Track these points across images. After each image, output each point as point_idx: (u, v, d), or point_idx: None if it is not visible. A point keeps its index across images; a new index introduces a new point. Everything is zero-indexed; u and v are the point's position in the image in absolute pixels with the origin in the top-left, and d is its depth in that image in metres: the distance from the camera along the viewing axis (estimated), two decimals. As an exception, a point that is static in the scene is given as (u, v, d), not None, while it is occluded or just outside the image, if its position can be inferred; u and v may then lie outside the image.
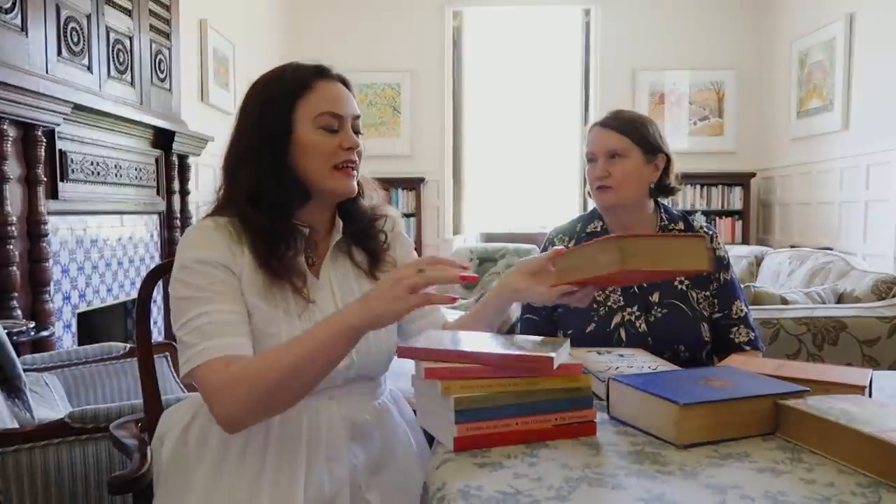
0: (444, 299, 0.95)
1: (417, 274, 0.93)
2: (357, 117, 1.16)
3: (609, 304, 1.51)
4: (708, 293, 1.54)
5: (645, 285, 1.50)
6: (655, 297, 1.51)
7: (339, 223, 1.19)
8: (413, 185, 6.07)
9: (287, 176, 1.11)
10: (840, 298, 2.68)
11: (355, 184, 1.15)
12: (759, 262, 4.00)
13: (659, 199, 1.63)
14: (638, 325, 1.49)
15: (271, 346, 1.04)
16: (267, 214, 1.10)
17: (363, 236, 1.22)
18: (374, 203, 1.26)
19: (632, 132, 1.54)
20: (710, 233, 1.58)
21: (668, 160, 1.59)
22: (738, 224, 6.00)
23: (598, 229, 1.59)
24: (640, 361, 1.22)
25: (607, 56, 6.13)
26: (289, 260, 1.10)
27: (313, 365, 0.97)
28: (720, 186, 6.04)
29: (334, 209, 1.20)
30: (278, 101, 1.11)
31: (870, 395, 1.05)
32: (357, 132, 1.16)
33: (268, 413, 1.02)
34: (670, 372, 1.11)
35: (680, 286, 1.52)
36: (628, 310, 1.50)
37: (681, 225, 1.59)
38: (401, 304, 0.92)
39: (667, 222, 1.59)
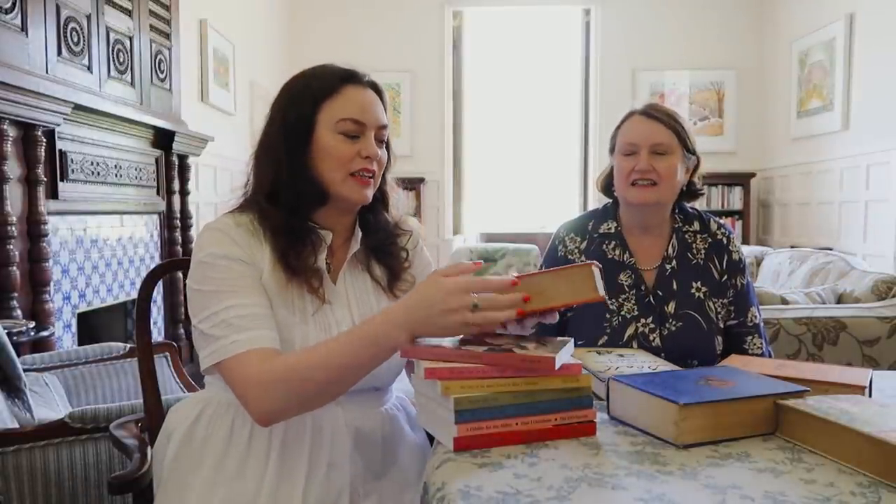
0: (493, 329, 0.95)
1: (473, 312, 0.90)
2: (383, 127, 1.15)
3: (623, 312, 1.44)
4: (726, 300, 1.47)
5: (660, 293, 1.45)
6: (672, 308, 1.44)
7: (359, 233, 1.18)
8: (413, 185, 6.07)
9: (304, 176, 1.11)
10: (840, 298, 2.68)
11: (370, 193, 1.14)
12: (759, 262, 4.00)
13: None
14: (652, 338, 1.42)
15: (285, 351, 1.05)
16: (283, 212, 1.11)
17: (383, 252, 1.20)
18: (398, 217, 1.25)
19: (675, 128, 1.46)
20: (727, 233, 1.52)
21: (697, 163, 1.52)
22: (738, 224, 6.00)
23: (612, 230, 1.52)
24: (640, 361, 1.21)
25: (607, 56, 6.13)
26: (306, 257, 1.10)
27: (349, 377, 0.99)
28: (720, 186, 6.04)
29: (355, 216, 1.20)
30: (304, 100, 1.12)
31: (870, 395, 1.05)
32: (382, 141, 1.16)
33: (305, 410, 1.03)
34: (670, 372, 1.11)
35: (697, 294, 1.45)
36: (643, 320, 1.43)
37: (696, 225, 1.51)
38: (449, 334, 0.93)
39: (681, 223, 1.52)
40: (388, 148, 1.20)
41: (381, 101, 1.17)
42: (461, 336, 0.97)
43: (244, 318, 1.02)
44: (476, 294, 0.90)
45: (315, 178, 1.11)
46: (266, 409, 0.99)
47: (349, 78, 1.13)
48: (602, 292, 0.95)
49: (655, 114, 1.47)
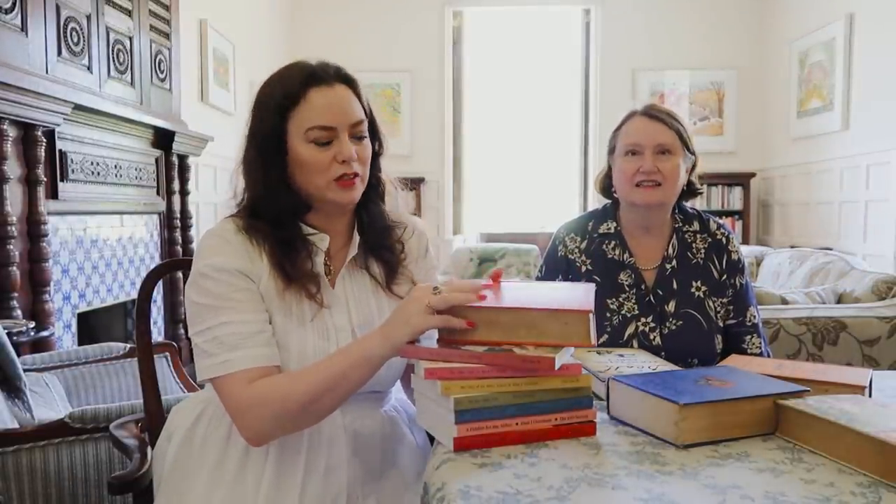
0: (461, 323, 0.92)
1: (434, 294, 0.93)
2: (358, 123, 1.10)
3: (623, 311, 1.45)
4: (725, 300, 1.47)
5: (660, 293, 1.45)
6: (672, 307, 1.44)
7: (357, 238, 1.15)
8: (413, 185, 6.06)
9: (285, 189, 1.09)
10: (840, 298, 2.68)
11: (357, 193, 1.10)
12: (759, 262, 3.99)
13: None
14: (652, 337, 1.43)
15: (283, 358, 1.06)
16: (269, 225, 1.09)
17: (379, 247, 1.18)
18: (394, 212, 1.22)
19: (677, 128, 1.46)
20: (726, 233, 1.52)
21: (695, 163, 1.52)
22: (738, 224, 6.00)
23: (612, 230, 1.52)
24: (640, 361, 1.22)
25: (607, 56, 6.13)
26: (301, 263, 1.09)
27: (336, 391, 0.98)
28: (720, 186, 6.04)
29: (351, 216, 1.17)
30: (271, 112, 1.08)
31: (870, 395, 1.05)
32: (361, 137, 1.11)
33: (292, 430, 1.04)
34: (670, 372, 1.11)
35: (697, 293, 1.46)
36: (643, 319, 1.44)
37: (696, 225, 1.52)
38: (414, 326, 0.93)
39: (681, 224, 1.52)
40: (375, 136, 1.16)
41: (355, 92, 1.11)
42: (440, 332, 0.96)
43: (237, 336, 1.02)
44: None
45: (297, 189, 1.10)
46: (252, 431, 1.00)
47: (311, 80, 1.08)
48: (594, 340, 0.93)
49: (657, 114, 1.47)
